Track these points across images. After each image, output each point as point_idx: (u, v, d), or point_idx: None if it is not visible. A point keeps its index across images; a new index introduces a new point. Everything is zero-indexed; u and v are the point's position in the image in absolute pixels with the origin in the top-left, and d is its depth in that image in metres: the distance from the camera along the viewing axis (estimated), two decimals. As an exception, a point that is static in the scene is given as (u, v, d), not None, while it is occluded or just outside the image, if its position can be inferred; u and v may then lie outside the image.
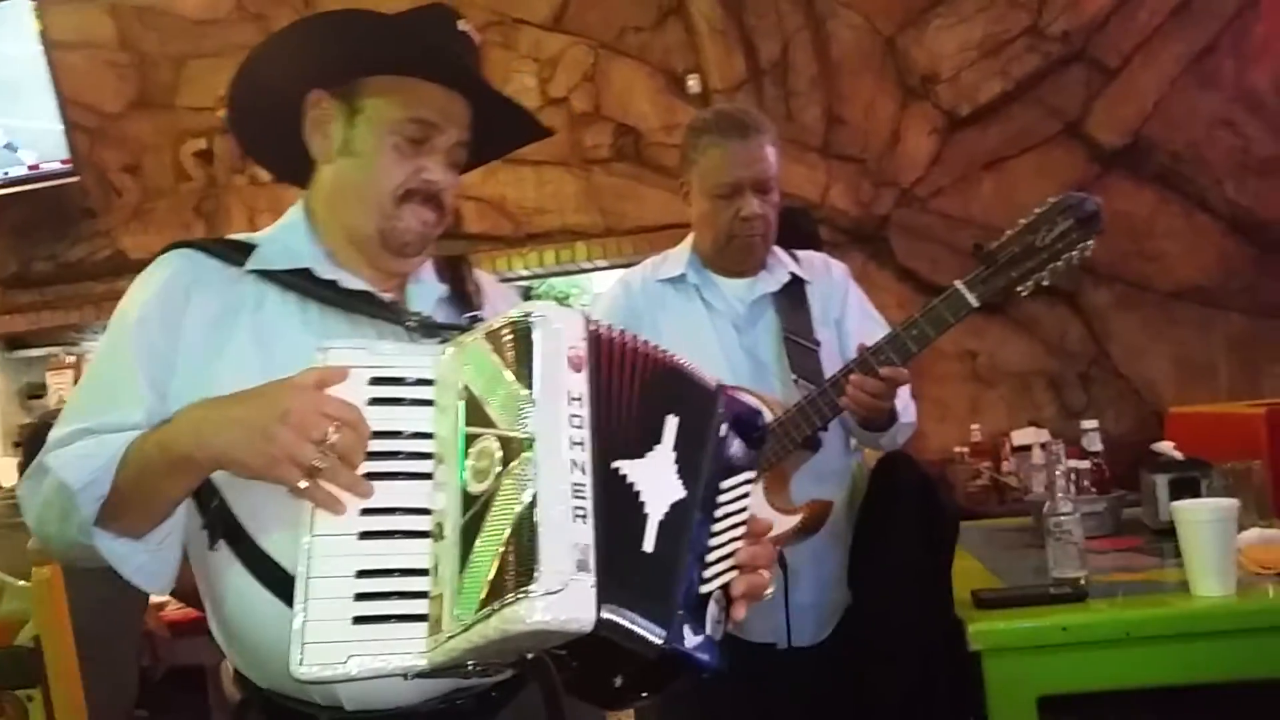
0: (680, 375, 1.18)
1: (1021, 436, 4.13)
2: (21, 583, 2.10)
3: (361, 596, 1.04)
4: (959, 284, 1.84)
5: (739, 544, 1.15)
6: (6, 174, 4.99)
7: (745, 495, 1.18)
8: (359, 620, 1.04)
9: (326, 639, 1.03)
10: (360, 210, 1.32)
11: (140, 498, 1.17)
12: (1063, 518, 1.89)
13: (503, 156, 1.55)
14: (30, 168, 4.97)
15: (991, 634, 1.77)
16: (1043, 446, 3.55)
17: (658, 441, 1.12)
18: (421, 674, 1.04)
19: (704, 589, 1.10)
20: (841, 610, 2.10)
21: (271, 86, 1.34)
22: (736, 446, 1.19)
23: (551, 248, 4.76)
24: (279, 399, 1.07)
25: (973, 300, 1.83)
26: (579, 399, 1.06)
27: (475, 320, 1.31)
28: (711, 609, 1.11)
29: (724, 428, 1.18)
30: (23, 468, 3.08)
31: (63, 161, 4.92)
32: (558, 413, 1.04)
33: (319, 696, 1.23)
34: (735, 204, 2.02)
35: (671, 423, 1.13)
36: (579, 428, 1.04)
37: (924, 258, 4.35)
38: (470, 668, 1.04)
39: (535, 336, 1.06)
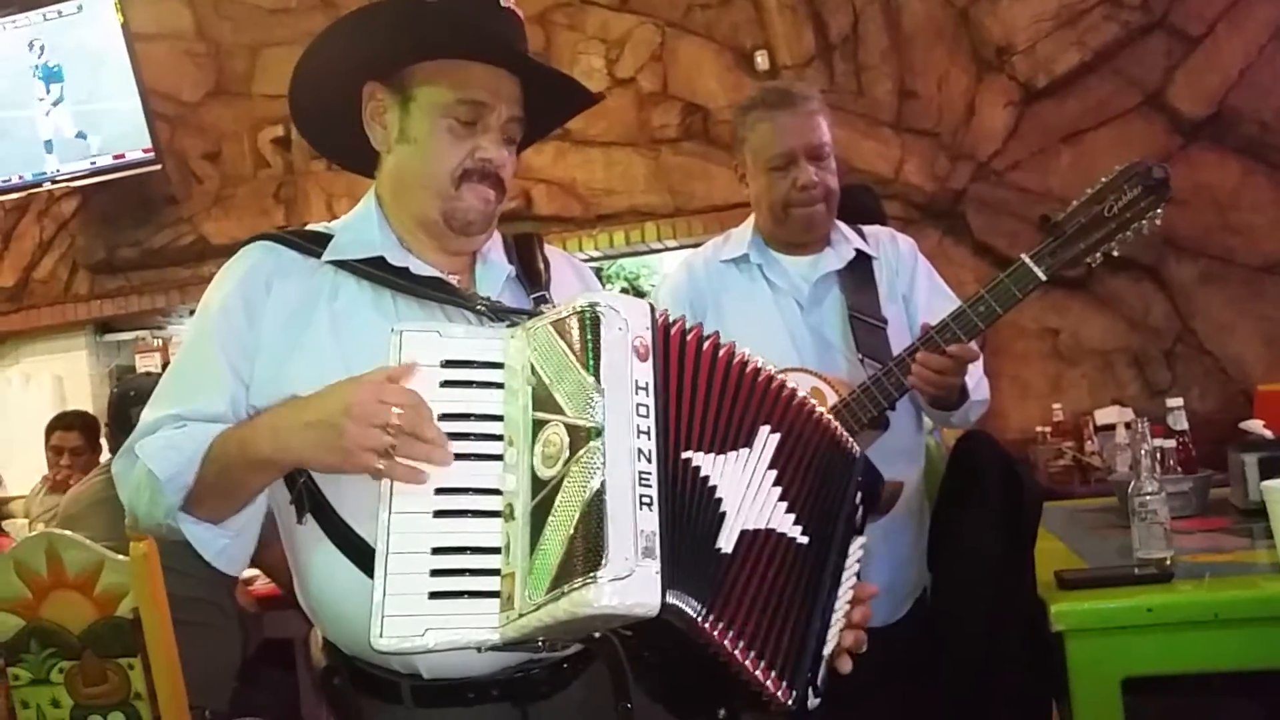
0: (825, 431, 1.23)
1: (1105, 415, 4.05)
2: (120, 557, 2.18)
3: (437, 573, 1.09)
4: (1026, 257, 1.81)
5: (849, 606, 1.22)
6: (93, 163, 5.14)
7: (859, 560, 1.24)
8: (435, 595, 1.08)
9: (404, 613, 1.07)
10: (423, 195, 1.35)
11: (222, 489, 1.26)
12: (1148, 497, 1.85)
13: (560, 127, 1.56)
14: (114, 157, 5.11)
15: (1074, 614, 1.75)
16: (1127, 425, 3.49)
17: (745, 446, 1.14)
18: (494, 648, 1.09)
19: (825, 650, 1.17)
20: (917, 590, 2.09)
21: (327, 84, 1.38)
22: (860, 513, 1.25)
23: (621, 228, 4.78)
24: (342, 396, 1.14)
25: (1040, 274, 1.79)
26: (645, 388, 1.08)
27: (541, 301, 1.35)
28: (822, 670, 1.17)
29: (859, 495, 1.24)
30: (110, 436, 3.18)
31: (145, 150, 5.06)
32: (624, 402, 1.07)
33: (399, 665, 1.28)
34: (791, 174, 2.01)
35: (769, 437, 1.16)
36: (645, 416, 1.07)
37: (1001, 233, 4.27)
38: (540, 643, 1.09)
39: (602, 326, 1.09)
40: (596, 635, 1.10)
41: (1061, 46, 4.28)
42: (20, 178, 5.26)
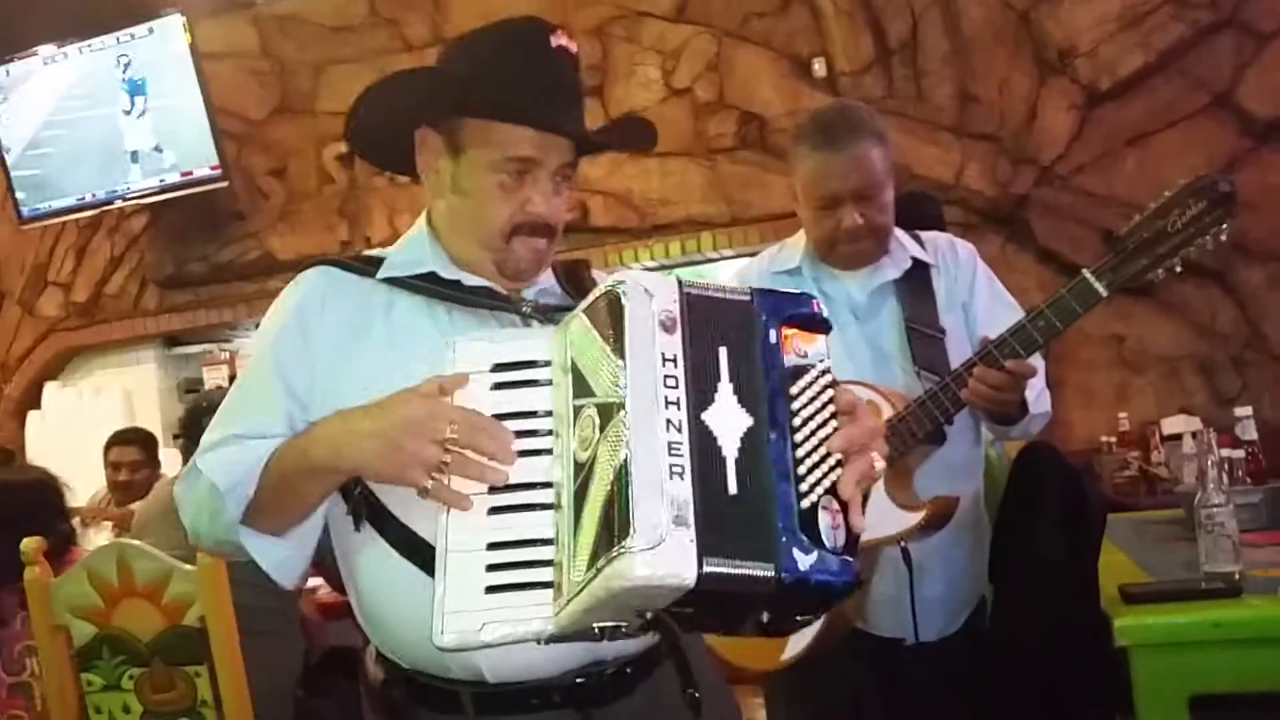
0: (716, 303, 1.15)
1: (1171, 424, 3.96)
2: (188, 567, 2.23)
3: (493, 567, 1.10)
4: (1087, 272, 1.78)
5: (830, 440, 1.10)
6: (162, 180, 5.28)
7: (824, 389, 1.13)
8: (491, 590, 1.10)
9: (463, 608, 1.09)
10: (474, 244, 1.38)
11: (282, 500, 1.28)
12: (1215, 509, 1.81)
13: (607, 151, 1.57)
14: (183, 174, 5.24)
15: (1140, 629, 1.72)
16: (1194, 435, 3.40)
17: (719, 380, 1.11)
18: (553, 638, 1.10)
19: (805, 503, 1.06)
20: (973, 604, 2.06)
21: (382, 127, 1.41)
22: (796, 344, 1.14)
23: (677, 238, 4.78)
24: (401, 410, 1.16)
25: (1101, 289, 1.76)
26: (673, 359, 1.08)
27: None
28: (824, 519, 1.06)
29: (772, 334, 1.14)
30: (183, 448, 3.26)
31: (212, 167, 5.18)
32: (649, 374, 1.06)
33: (460, 670, 1.28)
34: (836, 215, 1.98)
35: (723, 354, 1.12)
36: (674, 388, 1.07)
37: (1065, 238, 4.20)
38: (597, 631, 1.08)
39: (625, 303, 1.10)
40: (649, 617, 1.06)
41: (1125, 48, 4.21)
42: (93, 195, 5.42)
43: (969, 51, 4.39)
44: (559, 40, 1.35)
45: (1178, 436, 3.83)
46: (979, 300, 2.08)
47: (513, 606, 1.09)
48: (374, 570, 1.32)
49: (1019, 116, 4.33)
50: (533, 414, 1.16)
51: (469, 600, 1.09)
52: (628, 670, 1.31)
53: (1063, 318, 1.78)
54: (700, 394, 1.09)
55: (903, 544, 1.89)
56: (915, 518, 1.87)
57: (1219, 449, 1.93)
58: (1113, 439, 4.04)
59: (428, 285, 1.37)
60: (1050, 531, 1.88)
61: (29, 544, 2.36)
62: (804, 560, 1.03)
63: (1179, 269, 1.76)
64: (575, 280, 1.48)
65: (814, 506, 1.06)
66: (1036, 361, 1.88)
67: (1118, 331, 4.18)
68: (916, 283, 2.07)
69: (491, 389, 1.16)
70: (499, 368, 1.18)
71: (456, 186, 1.38)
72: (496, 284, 1.39)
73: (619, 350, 1.08)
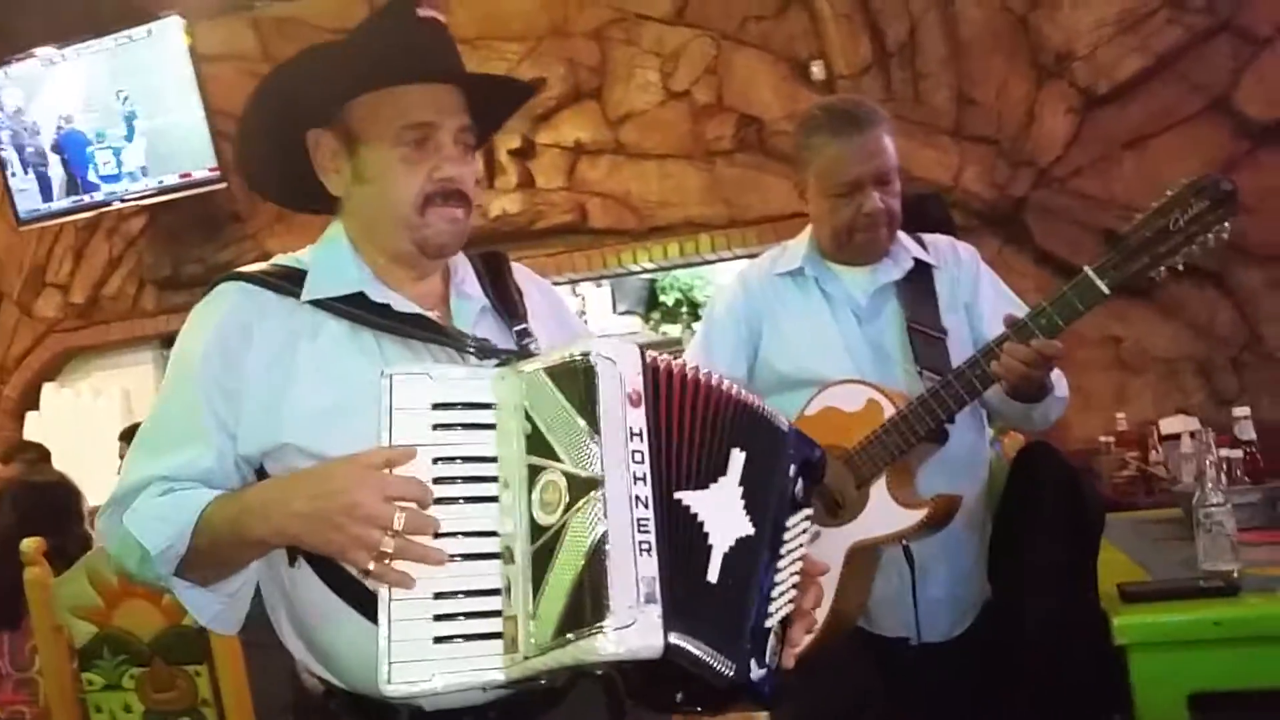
0: (751, 412, 1.23)
1: (1170, 425, 3.96)
2: (187, 569, 2.23)
3: (440, 617, 1.11)
4: (1089, 270, 1.78)
5: (797, 578, 1.23)
6: (160, 182, 5.28)
7: (805, 532, 1.25)
8: (440, 640, 1.10)
9: (411, 658, 1.09)
10: (390, 230, 1.35)
11: (214, 561, 1.26)
12: (1213, 509, 1.82)
13: (506, 120, 1.51)
14: (181, 176, 5.24)
15: (1138, 628, 1.73)
16: (1192, 435, 3.41)
17: (723, 474, 1.18)
18: (499, 686, 1.13)
19: (767, 624, 1.17)
20: (979, 604, 2.06)
21: (269, 142, 1.39)
22: (800, 486, 1.25)
23: (675, 241, 4.79)
24: (344, 491, 1.12)
25: (1103, 287, 1.77)
26: (639, 434, 1.11)
27: (524, 335, 1.37)
28: (771, 641, 1.18)
29: (793, 468, 1.24)
30: None
31: (210, 169, 5.18)
32: (620, 451, 1.10)
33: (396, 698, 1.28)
34: (856, 201, 1.98)
35: (738, 457, 1.19)
36: (640, 463, 1.10)
37: (1063, 240, 4.22)
38: (543, 681, 1.12)
39: (597, 377, 1.11)
40: (599, 673, 1.14)
41: (1123, 52, 4.22)
42: (91, 197, 5.42)
43: (967, 55, 4.40)
44: (426, 12, 1.35)
45: (1176, 436, 3.84)
46: (984, 300, 2.09)
47: (463, 657, 1.10)
48: (314, 605, 1.30)
49: (1017, 119, 4.35)
50: (476, 459, 1.14)
51: (417, 650, 1.09)
52: (556, 684, 1.32)
53: (1065, 315, 1.78)
54: (678, 471, 1.13)
55: (904, 543, 1.89)
56: (917, 516, 1.87)
57: (1217, 449, 1.94)
58: (1111, 439, 4.03)
59: (356, 311, 1.32)
60: (1049, 531, 1.88)
61: (29, 544, 2.36)
62: (755, 672, 1.15)
63: (1180, 267, 1.77)
64: (494, 271, 1.46)
65: (769, 630, 1.18)
66: None
67: (1116, 333, 4.19)
68: (918, 284, 2.07)
69: (432, 429, 1.13)
70: (440, 407, 1.14)
71: (359, 177, 1.35)
72: (423, 302, 1.36)
73: (592, 423, 1.09)
